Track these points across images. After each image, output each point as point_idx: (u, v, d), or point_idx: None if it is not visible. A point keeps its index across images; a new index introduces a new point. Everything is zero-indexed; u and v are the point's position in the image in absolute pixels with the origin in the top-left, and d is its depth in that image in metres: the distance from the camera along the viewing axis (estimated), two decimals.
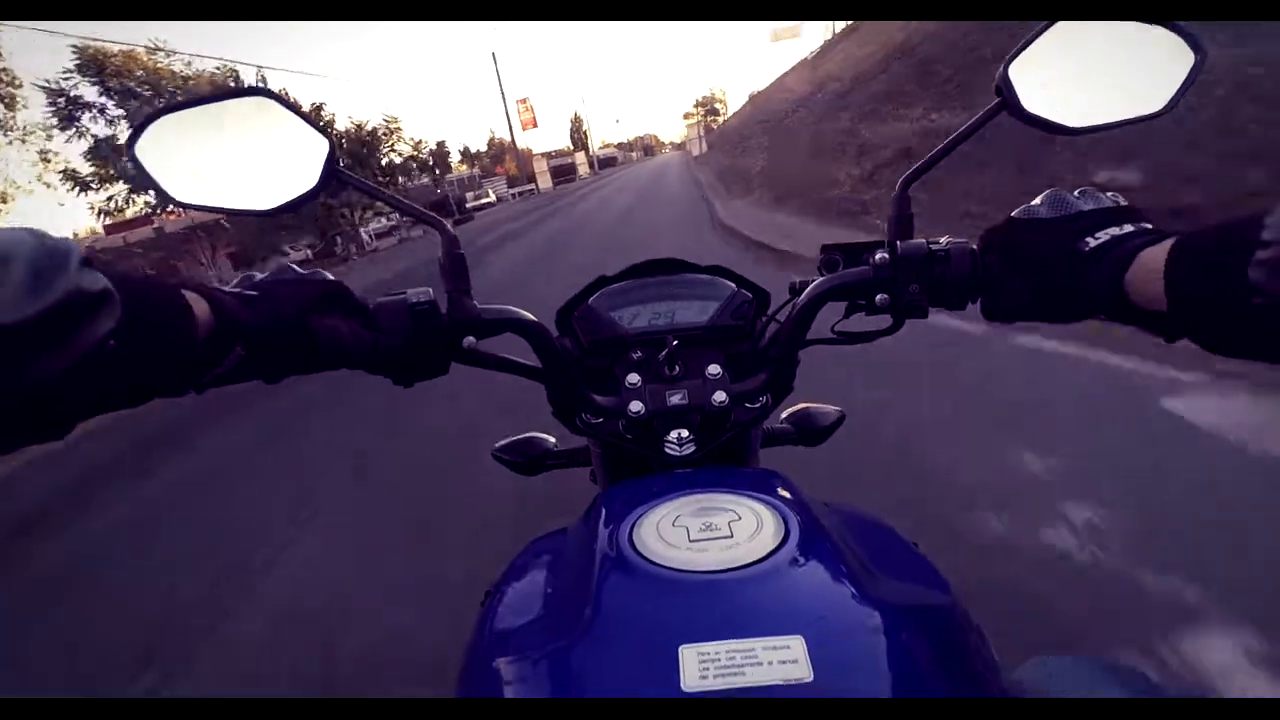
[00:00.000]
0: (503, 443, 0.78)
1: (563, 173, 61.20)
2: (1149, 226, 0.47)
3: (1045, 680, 0.47)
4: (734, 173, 15.21)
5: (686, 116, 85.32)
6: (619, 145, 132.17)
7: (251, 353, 0.47)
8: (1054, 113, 0.55)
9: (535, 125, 58.63)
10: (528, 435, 0.78)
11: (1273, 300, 0.34)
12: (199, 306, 0.43)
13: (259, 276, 0.52)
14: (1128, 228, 0.47)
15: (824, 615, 0.37)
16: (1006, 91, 0.54)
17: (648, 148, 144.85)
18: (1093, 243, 0.47)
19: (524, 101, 58.78)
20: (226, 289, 0.48)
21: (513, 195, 45.17)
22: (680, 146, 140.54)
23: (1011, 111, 0.54)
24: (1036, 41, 0.54)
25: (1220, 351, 0.39)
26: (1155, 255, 0.42)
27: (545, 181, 51.83)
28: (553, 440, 0.78)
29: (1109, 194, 0.50)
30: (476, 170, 71.10)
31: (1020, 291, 0.51)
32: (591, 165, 73.00)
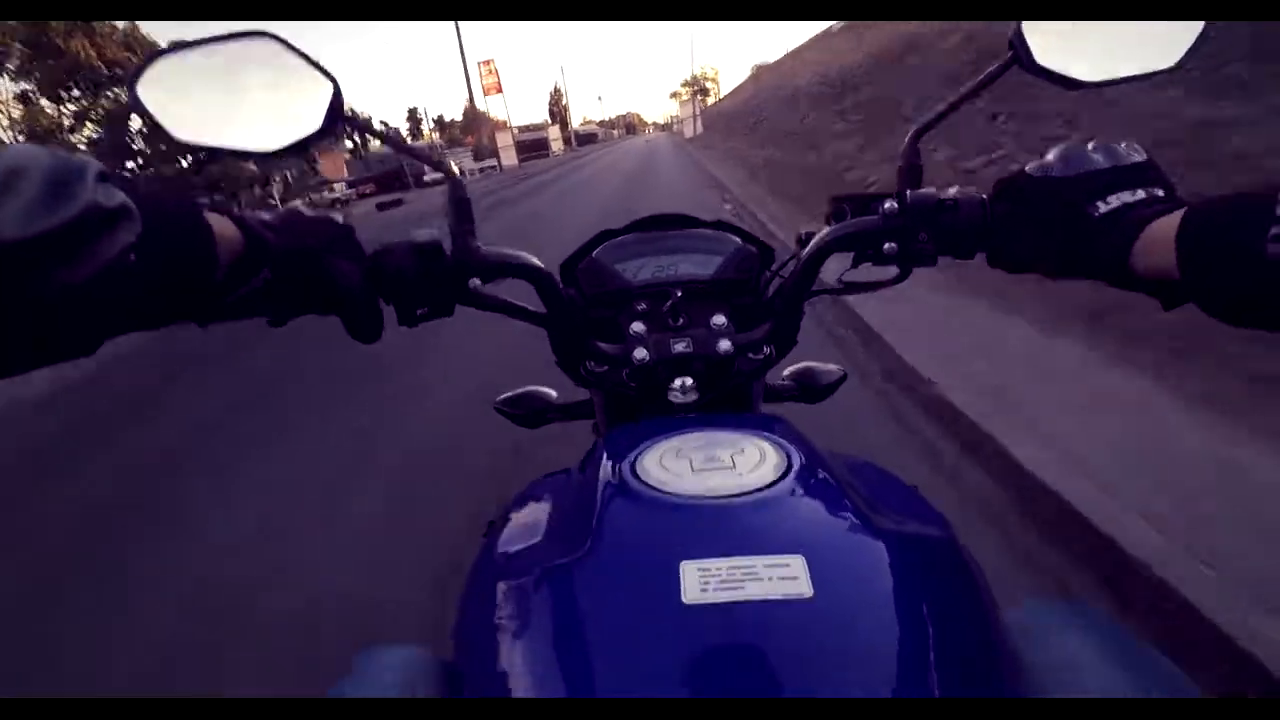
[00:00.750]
0: (504, 396, 0.78)
1: (532, 148, 53.49)
2: (1160, 193, 0.47)
3: (1032, 621, 0.47)
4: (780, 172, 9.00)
5: (674, 96, 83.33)
6: (601, 123, 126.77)
7: (276, 278, 0.47)
8: (1066, 67, 0.55)
9: (500, 90, 48.96)
10: (529, 389, 0.78)
11: None
12: (224, 228, 0.43)
13: (268, 216, 0.52)
14: (1140, 194, 0.47)
15: (825, 538, 0.38)
16: (1019, 46, 0.53)
17: (630, 126, 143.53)
18: (1103, 208, 0.47)
19: (488, 64, 49.63)
20: (251, 213, 0.48)
21: (475, 172, 36.54)
22: (664, 127, 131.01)
23: (1024, 65, 0.54)
24: (1053, 20, 0.54)
25: (1233, 322, 0.40)
26: (1165, 226, 0.43)
27: (510, 157, 42.10)
28: (554, 394, 0.79)
29: (1124, 144, 0.50)
30: (441, 140, 64.68)
31: (1027, 246, 0.52)
32: (569, 141, 66.67)
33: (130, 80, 0.51)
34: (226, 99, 0.53)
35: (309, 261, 0.49)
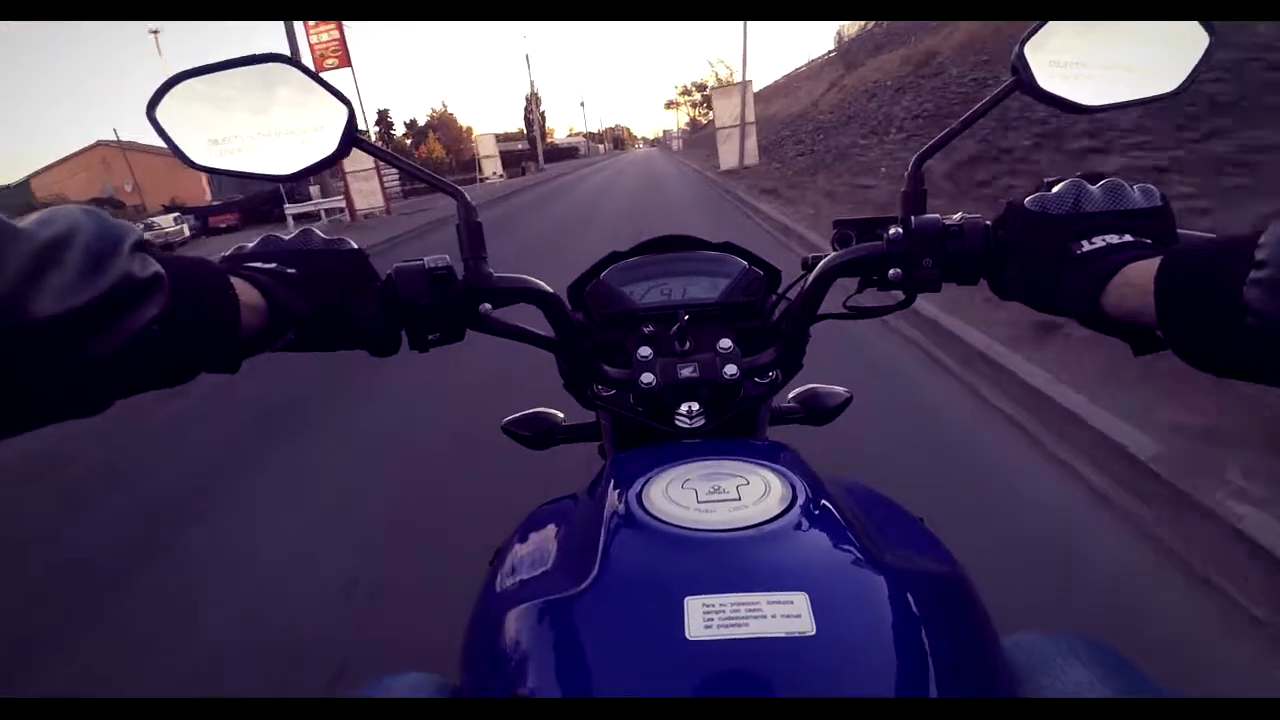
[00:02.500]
0: (511, 417, 0.78)
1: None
2: (1148, 241, 0.47)
3: (1035, 653, 0.47)
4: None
5: (672, 106, 70.31)
6: (586, 135, 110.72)
7: (300, 336, 0.49)
8: (1068, 91, 0.55)
9: (348, 64, 17.50)
10: (536, 410, 0.79)
11: (1265, 321, 0.33)
12: (249, 294, 0.44)
13: (284, 239, 0.52)
14: (1126, 238, 0.47)
15: (828, 574, 0.38)
16: (1022, 69, 0.54)
17: (618, 140, 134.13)
18: (1086, 247, 0.47)
19: (317, 27, 18.34)
20: (264, 265, 0.49)
21: (320, 215, 17.57)
22: (655, 142, 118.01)
23: (1026, 89, 0.54)
24: (1052, 20, 0.54)
25: (1208, 369, 0.39)
26: (1140, 270, 0.43)
27: (370, 199, 17.86)
28: (561, 415, 0.79)
29: (1138, 186, 0.50)
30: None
31: (1014, 276, 0.53)
32: (527, 160, 47.27)
33: (149, 106, 0.52)
34: (242, 123, 0.54)
35: (333, 314, 0.50)
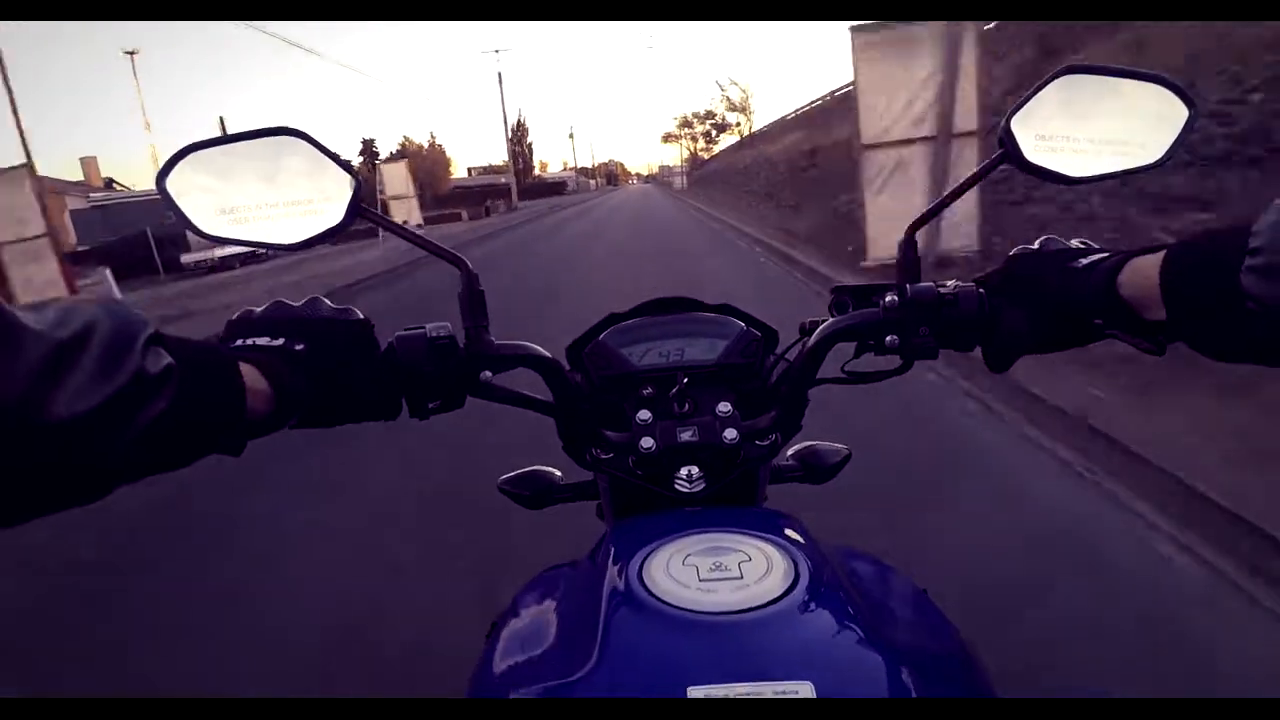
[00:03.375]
0: (508, 476, 0.78)
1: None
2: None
3: None
4: None
5: (670, 139, 59.71)
6: (578, 170, 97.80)
7: (303, 420, 0.49)
8: (1055, 163, 0.57)
9: None
10: (534, 469, 0.78)
11: (1265, 305, 0.34)
12: (255, 381, 0.45)
13: (292, 305, 0.53)
14: (1118, 257, 0.49)
15: (834, 662, 0.37)
16: (1009, 142, 0.56)
17: (611, 175, 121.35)
18: (1085, 261, 0.50)
19: None
20: (272, 342, 0.49)
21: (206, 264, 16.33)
22: (650, 179, 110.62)
23: (1013, 161, 0.56)
24: (1038, 95, 0.56)
25: (1218, 357, 0.40)
26: (1148, 262, 0.44)
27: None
28: (558, 474, 0.79)
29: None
30: None
31: (1019, 322, 0.54)
32: (497, 198, 37.98)
33: (159, 177, 0.53)
34: (250, 194, 0.55)
35: (338, 395, 0.51)
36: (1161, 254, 0.43)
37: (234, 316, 0.53)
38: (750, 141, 28.46)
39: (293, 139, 0.55)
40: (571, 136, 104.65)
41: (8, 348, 0.29)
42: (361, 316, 0.54)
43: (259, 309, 0.54)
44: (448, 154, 60.60)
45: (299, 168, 0.56)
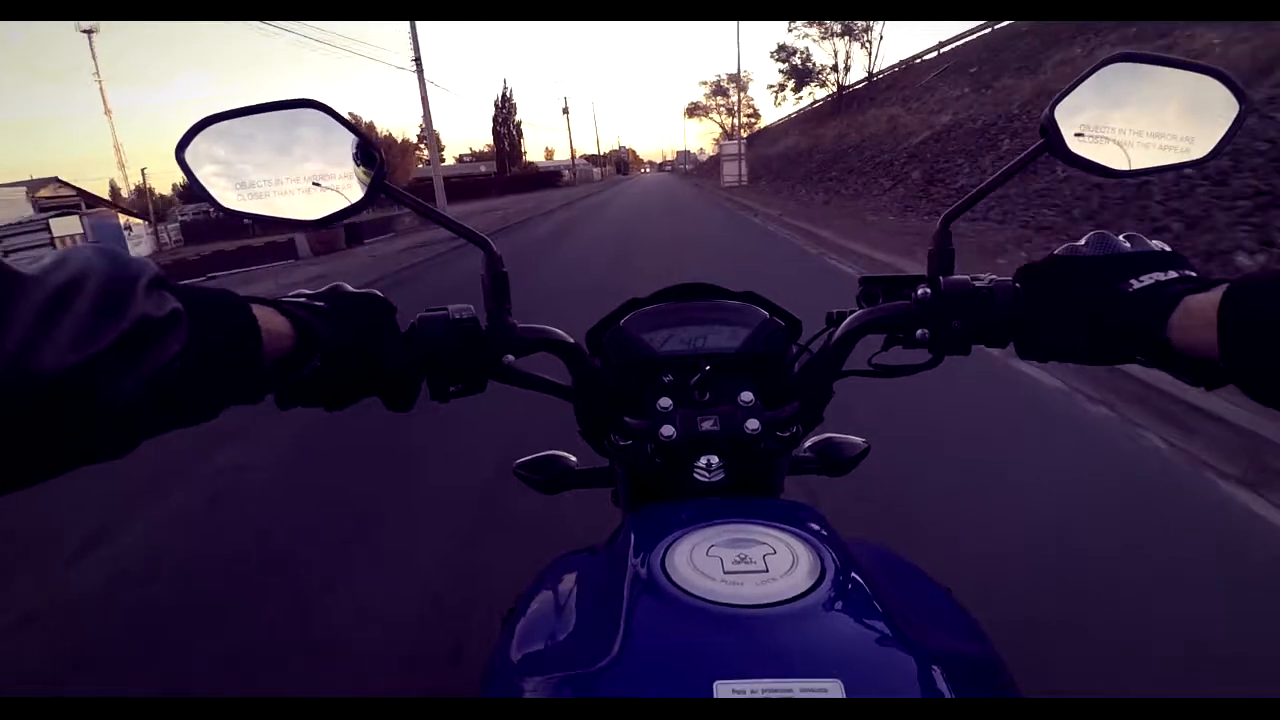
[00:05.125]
0: (524, 460, 0.77)
1: None
2: (1193, 274, 0.47)
3: None
4: None
5: (697, 111, 47.57)
6: (586, 158, 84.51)
7: (326, 364, 0.48)
8: (1098, 155, 0.55)
9: None
10: (549, 453, 0.78)
11: None
12: (273, 321, 0.43)
13: (311, 292, 0.52)
14: (1172, 274, 0.46)
15: (862, 659, 0.36)
16: (1051, 132, 0.54)
17: (621, 163, 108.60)
18: (1137, 284, 0.46)
19: None
20: (294, 299, 0.49)
21: None
22: (664, 166, 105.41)
23: (1055, 152, 0.54)
24: (1083, 85, 0.54)
25: (1275, 405, 0.38)
26: (1203, 301, 0.42)
27: None
28: (574, 459, 0.78)
29: (1155, 242, 0.50)
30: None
31: (1060, 330, 0.51)
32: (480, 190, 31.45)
33: (178, 148, 0.52)
34: (271, 167, 0.53)
35: (359, 342, 0.50)
36: (1219, 291, 0.40)
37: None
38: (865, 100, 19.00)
39: (313, 111, 0.54)
40: (566, 112, 68.23)
41: (2, 295, 0.28)
42: (382, 297, 0.53)
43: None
44: (410, 139, 48.98)
45: (319, 141, 0.54)
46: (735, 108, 31.43)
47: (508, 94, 56.12)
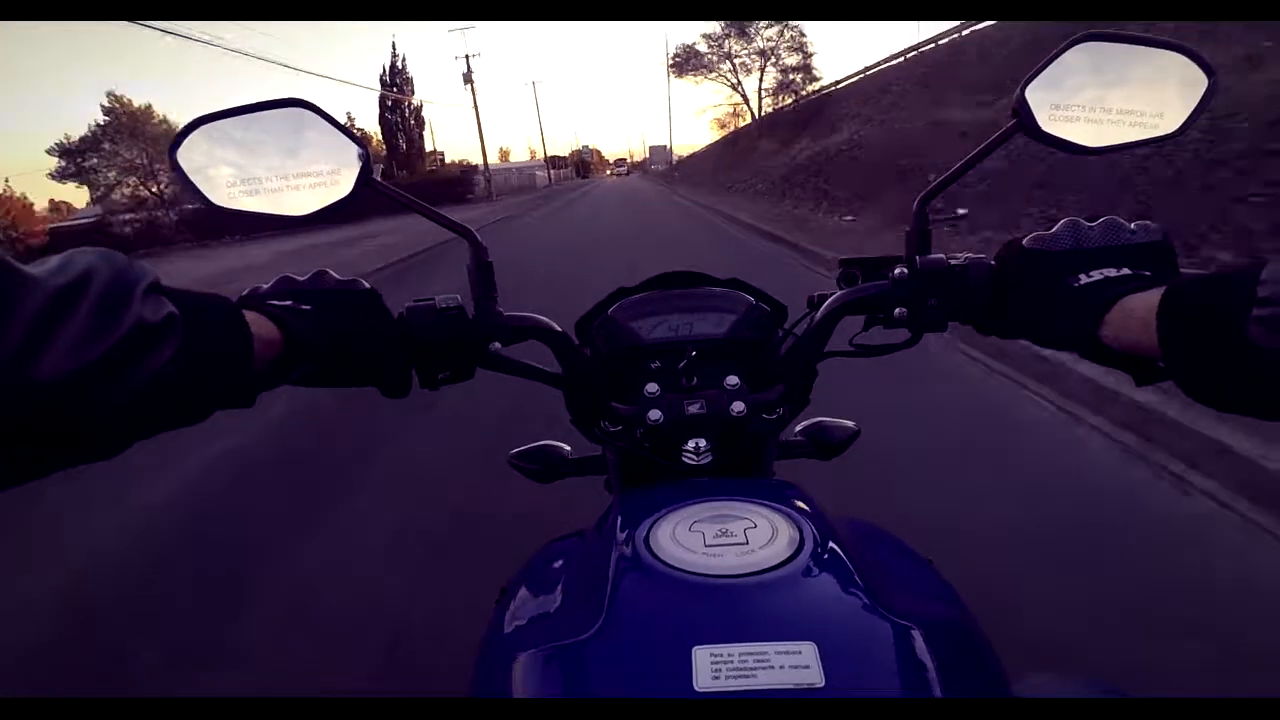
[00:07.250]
0: (518, 450, 0.78)
1: None
2: (1147, 273, 0.47)
3: (1044, 696, 0.47)
4: None
5: (687, 67, 25.61)
6: (547, 159, 66.34)
7: (314, 370, 0.49)
8: (1069, 133, 0.56)
9: None
10: (543, 443, 0.79)
11: (1271, 358, 0.33)
12: (263, 327, 0.44)
13: (298, 279, 0.53)
14: (1125, 271, 0.47)
15: (836, 623, 0.38)
16: (1023, 112, 0.55)
17: (582, 164, 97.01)
18: (1083, 280, 0.47)
19: None
20: (279, 302, 0.49)
21: None
22: (638, 167, 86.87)
23: (1028, 131, 0.55)
24: (1053, 64, 0.55)
25: (1211, 404, 0.38)
26: (1138, 302, 0.43)
27: None
28: (568, 448, 0.79)
29: (1135, 223, 0.50)
30: None
31: (1014, 314, 0.53)
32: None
33: (170, 149, 0.53)
34: (261, 165, 0.55)
35: (345, 345, 0.51)
36: (1156, 294, 0.41)
37: (243, 293, 0.53)
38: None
39: (301, 110, 0.55)
40: (469, 80, 40.41)
41: (4, 296, 0.28)
42: (368, 287, 0.54)
43: (265, 285, 0.54)
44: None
45: (307, 139, 0.56)
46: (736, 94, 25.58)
47: (398, 63, 36.84)
